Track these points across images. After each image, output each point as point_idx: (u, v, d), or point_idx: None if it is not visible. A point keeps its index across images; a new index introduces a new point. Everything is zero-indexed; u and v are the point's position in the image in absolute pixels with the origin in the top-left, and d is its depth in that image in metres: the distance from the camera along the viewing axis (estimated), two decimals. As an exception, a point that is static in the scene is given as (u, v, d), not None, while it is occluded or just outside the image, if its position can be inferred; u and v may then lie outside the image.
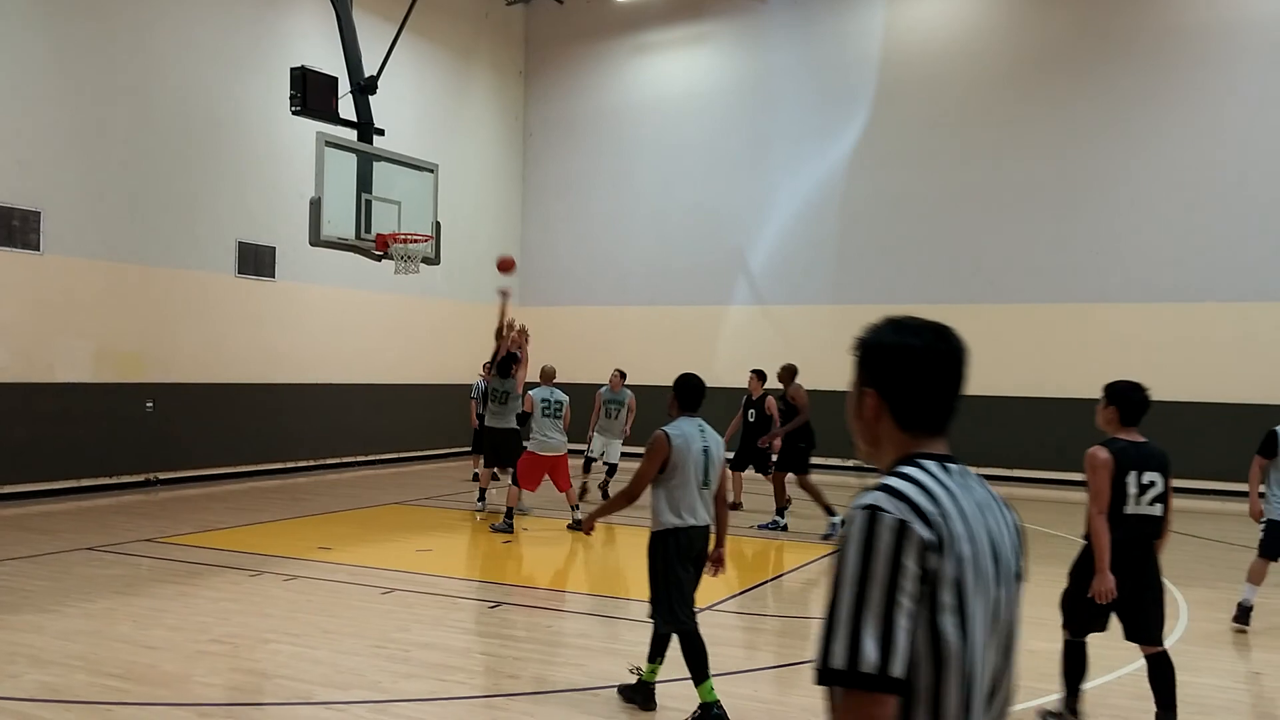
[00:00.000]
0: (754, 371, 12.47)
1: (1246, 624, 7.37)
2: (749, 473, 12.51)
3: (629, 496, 5.47)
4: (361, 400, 17.36)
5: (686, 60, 19.98)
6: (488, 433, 12.04)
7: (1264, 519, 7.41)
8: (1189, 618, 7.66)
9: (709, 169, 19.48)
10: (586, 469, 13.62)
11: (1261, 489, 7.41)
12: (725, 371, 19.14)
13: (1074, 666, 5.29)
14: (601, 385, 13.65)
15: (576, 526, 10.71)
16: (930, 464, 1.79)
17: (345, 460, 17.07)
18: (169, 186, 14.21)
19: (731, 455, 12.59)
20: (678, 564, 5.32)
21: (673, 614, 5.29)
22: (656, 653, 5.43)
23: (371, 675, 5.94)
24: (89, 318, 13.23)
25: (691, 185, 19.61)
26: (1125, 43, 16.40)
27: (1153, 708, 5.10)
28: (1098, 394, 5.17)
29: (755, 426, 12.05)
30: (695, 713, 5.17)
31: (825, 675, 1.64)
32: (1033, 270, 16.83)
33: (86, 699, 5.38)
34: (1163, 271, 15.95)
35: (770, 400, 12.00)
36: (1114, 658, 6.50)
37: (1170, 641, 6.96)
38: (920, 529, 1.65)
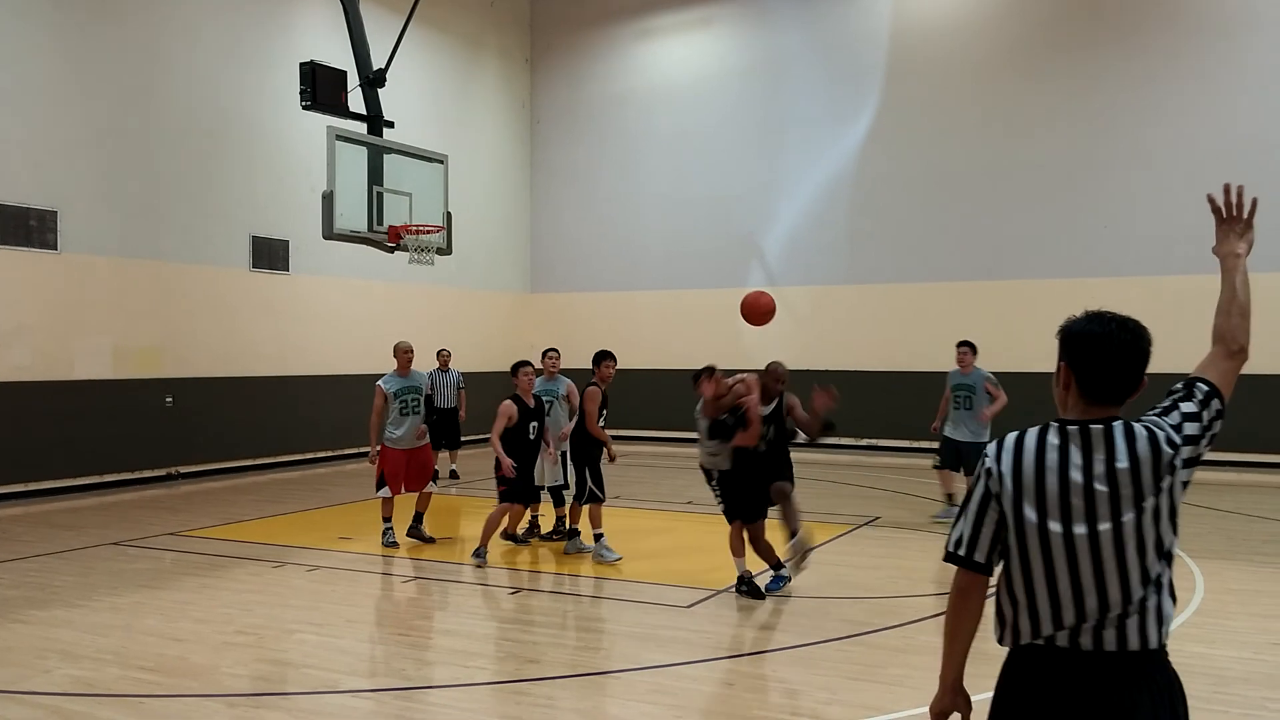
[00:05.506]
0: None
1: None
2: None
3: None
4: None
5: (693, 44, 19.92)
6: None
7: None
8: (1205, 589, 7.68)
9: (719, 152, 19.44)
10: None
11: None
12: (754, 352, 19.18)
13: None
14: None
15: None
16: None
17: (363, 450, 17.12)
18: (182, 183, 14.31)
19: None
20: None
21: None
22: None
23: (396, 663, 6.03)
24: (107, 315, 13.36)
25: (702, 169, 19.58)
26: (1138, 15, 16.26)
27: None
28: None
29: None
30: None
31: None
32: (1045, 246, 16.76)
33: (119, 692, 5.49)
34: (1176, 246, 15.87)
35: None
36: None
37: (1187, 614, 7.00)
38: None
